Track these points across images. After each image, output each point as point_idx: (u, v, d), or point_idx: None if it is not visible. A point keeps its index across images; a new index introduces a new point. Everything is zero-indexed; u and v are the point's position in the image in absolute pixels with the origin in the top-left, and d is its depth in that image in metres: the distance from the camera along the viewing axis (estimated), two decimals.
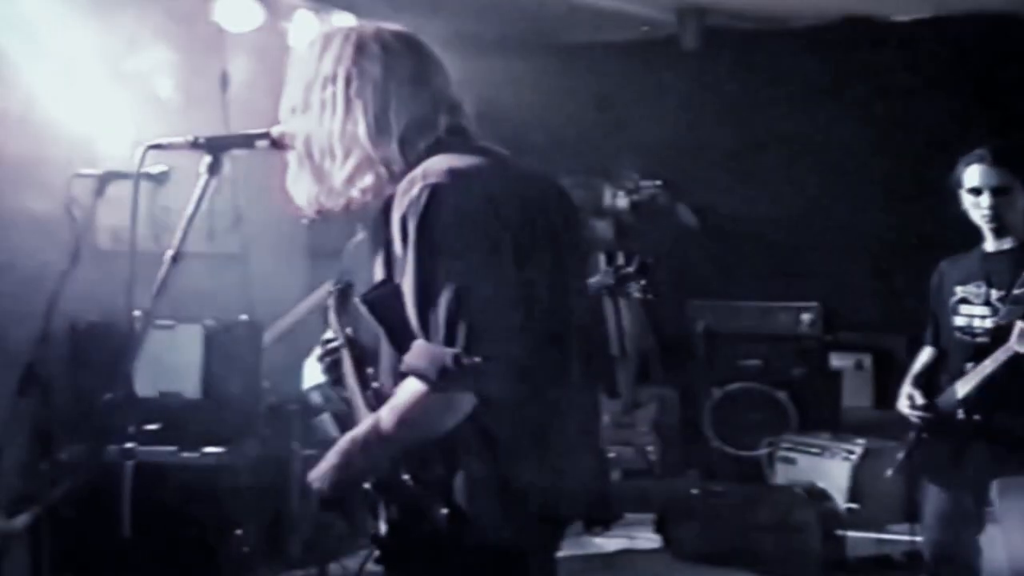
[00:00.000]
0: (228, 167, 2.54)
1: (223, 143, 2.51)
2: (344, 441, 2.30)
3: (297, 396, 4.07)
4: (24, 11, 5.05)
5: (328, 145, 2.27)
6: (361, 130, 2.24)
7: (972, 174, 3.87)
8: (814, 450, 6.25)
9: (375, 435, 2.20)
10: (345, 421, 3.93)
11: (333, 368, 2.55)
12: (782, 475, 6.39)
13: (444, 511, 2.14)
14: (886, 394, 6.72)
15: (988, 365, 3.78)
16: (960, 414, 3.86)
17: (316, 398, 3.99)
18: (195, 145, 2.50)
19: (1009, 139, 3.93)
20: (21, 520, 4.48)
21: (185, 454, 4.69)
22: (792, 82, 7.24)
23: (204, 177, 2.48)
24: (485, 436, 2.15)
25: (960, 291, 3.96)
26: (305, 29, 6.32)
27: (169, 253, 2.50)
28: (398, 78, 2.26)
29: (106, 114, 5.14)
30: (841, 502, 5.84)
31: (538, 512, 2.20)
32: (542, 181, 2.34)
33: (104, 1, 5.20)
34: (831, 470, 6.05)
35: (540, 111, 6.97)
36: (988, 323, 3.85)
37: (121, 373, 2.60)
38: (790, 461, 6.38)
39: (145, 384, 4.60)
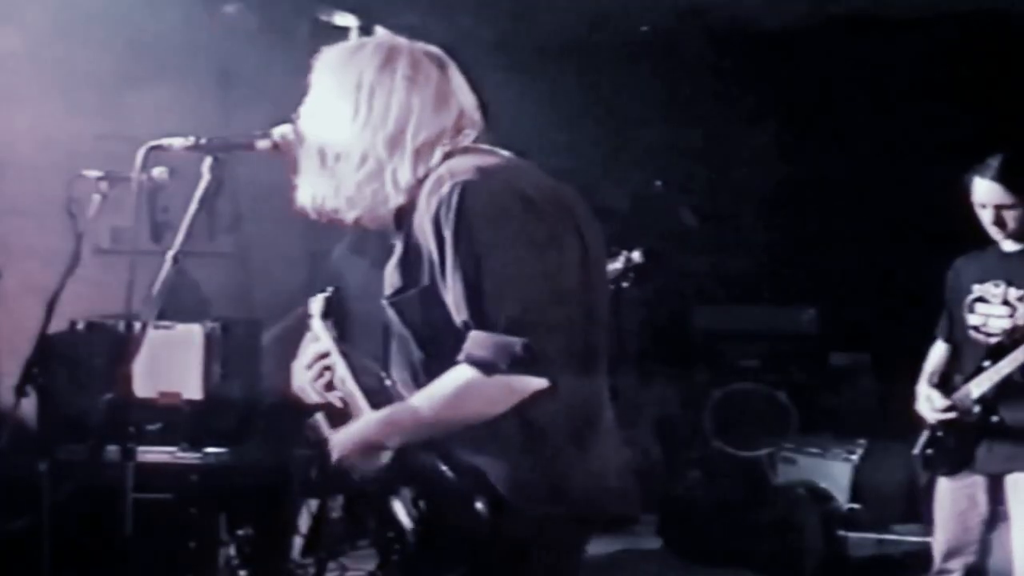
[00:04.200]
0: (228, 168, 2.55)
1: (223, 144, 2.51)
2: (374, 420, 2.31)
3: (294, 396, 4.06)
4: (25, 11, 5.06)
5: (345, 149, 2.30)
6: (380, 139, 2.27)
7: (977, 188, 3.87)
8: (815, 450, 6.25)
9: (416, 418, 2.22)
10: (338, 421, 3.95)
11: (324, 373, 2.56)
12: (783, 475, 6.39)
13: (482, 504, 2.13)
14: (886, 394, 6.73)
15: (1005, 366, 3.77)
16: (975, 413, 3.86)
17: (308, 398, 4.00)
18: (195, 146, 2.50)
19: (1018, 153, 3.89)
20: (22, 520, 4.48)
21: (186, 454, 4.68)
22: (792, 82, 7.24)
23: (204, 178, 2.48)
24: (529, 427, 2.16)
25: (977, 289, 3.95)
26: (306, 29, 6.33)
27: (170, 253, 2.50)
28: (422, 96, 2.29)
29: (107, 114, 5.15)
30: (843, 502, 5.84)
31: (576, 507, 2.20)
32: (560, 183, 2.37)
33: (105, 1, 5.20)
34: (832, 470, 6.05)
35: (540, 111, 6.96)
36: (1005, 323, 3.85)
37: (121, 373, 2.60)
38: (791, 461, 6.38)
39: (145, 384, 4.59)
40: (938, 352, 4.16)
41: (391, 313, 2.30)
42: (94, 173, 3.38)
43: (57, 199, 3.26)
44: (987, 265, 3.96)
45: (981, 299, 3.94)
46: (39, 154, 4.85)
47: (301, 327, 4.51)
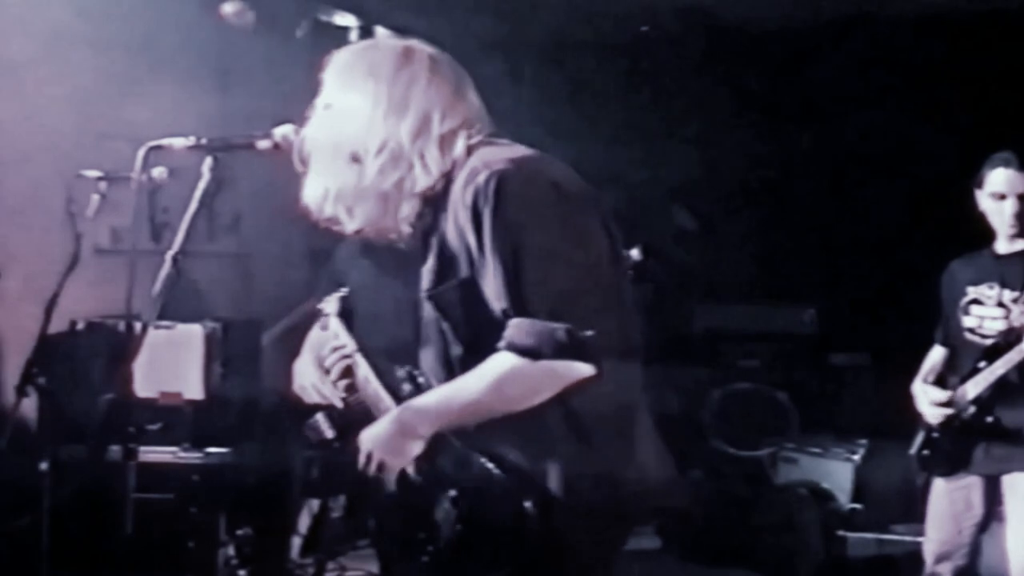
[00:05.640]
0: (228, 168, 2.55)
1: (223, 144, 2.51)
2: (408, 408, 2.27)
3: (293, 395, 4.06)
4: (26, 12, 5.05)
5: (367, 142, 2.27)
6: (404, 127, 2.26)
7: (997, 178, 3.84)
8: (816, 450, 6.25)
9: (454, 404, 2.19)
10: (338, 420, 3.95)
11: (345, 374, 2.55)
12: (784, 475, 6.39)
13: (531, 503, 2.09)
14: (886, 394, 6.73)
15: (1000, 367, 3.77)
16: (971, 414, 3.86)
17: (308, 398, 4.00)
18: (196, 146, 2.50)
19: None
20: (22, 520, 4.48)
21: (185, 454, 4.68)
22: (792, 82, 7.24)
23: (204, 178, 2.48)
24: (575, 421, 2.13)
25: (972, 291, 3.95)
26: (306, 29, 6.33)
27: (170, 253, 2.50)
28: (441, 87, 2.29)
29: (107, 114, 5.14)
30: (844, 502, 5.84)
31: (624, 501, 2.17)
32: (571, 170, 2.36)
33: (105, 1, 5.20)
34: (833, 470, 6.04)
35: (540, 111, 6.96)
36: (1000, 324, 3.85)
37: (121, 373, 2.60)
38: (792, 461, 6.38)
39: (145, 384, 4.60)
40: (935, 356, 4.16)
41: (429, 308, 2.27)
42: (94, 173, 3.38)
43: (57, 199, 3.26)
44: (981, 267, 3.96)
45: (976, 301, 3.94)
46: (39, 154, 4.85)
47: (301, 327, 4.52)
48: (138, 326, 2.57)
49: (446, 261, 2.24)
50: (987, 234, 3.95)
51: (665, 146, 7.45)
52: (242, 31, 5.92)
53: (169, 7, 5.54)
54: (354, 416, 2.45)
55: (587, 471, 2.12)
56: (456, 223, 2.20)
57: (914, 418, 4.09)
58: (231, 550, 4.73)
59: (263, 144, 2.48)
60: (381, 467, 2.27)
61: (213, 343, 4.93)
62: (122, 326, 2.84)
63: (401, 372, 2.37)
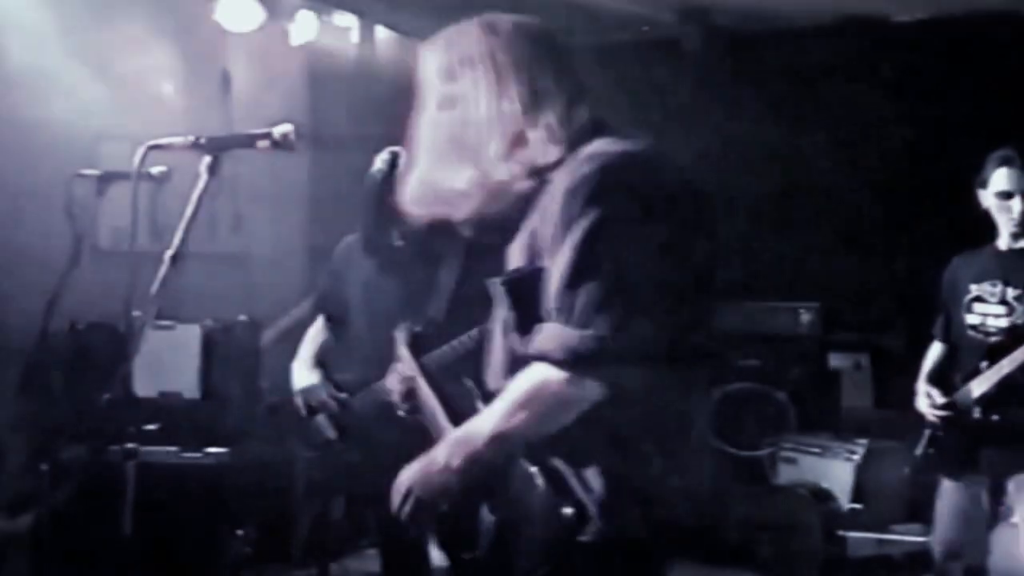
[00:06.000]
0: (229, 167, 2.54)
1: (223, 143, 2.51)
2: (450, 442, 2.18)
3: (295, 398, 4.07)
4: (26, 12, 5.06)
5: (477, 126, 2.18)
6: (516, 106, 2.17)
7: (1001, 177, 3.82)
8: (816, 450, 6.24)
9: (486, 430, 2.09)
10: (339, 422, 3.95)
11: (408, 396, 2.63)
12: (784, 475, 6.38)
13: (570, 510, 2.01)
14: (886, 394, 6.73)
15: (1006, 365, 3.76)
16: (976, 413, 3.86)
17: (309, 399, 4.01)
18: (195, 145, 2.49)
19: None
20: (23, 520, 4.48)
21: (186, 454, 4.68)
22: (792, 82, 7.23)
23: (204, 177, 2.47)
24: (616, 432, 2.03)
25: (975, 289, 3.94)
26: (306, 29, 6.33)
27: (168, 253, 2.50)
28: (544, 63, 2.22)
29: (107, 114, 5.14)
30: (844, 502, 5.84)
31: (662, 518, 2.09)
32: (682, 169, 2.25)
33: (106, 2, 5.21)
34: (833, 470, 6.04)
35: None
36: (1003, 322, 3.84)
37: (120, 373, 2.60)
38: (792, 461, 6.37)
39: (145, 384, 4.60)
40: (935, 352, 4.15)
41: (501, 294, 2.16)
42: (94, 173, 3.38)
43: (57, 199, 3.26)
44: (984, 264, 3.95)
45: (979, 298, 3.93)
46: (39, 154, 4.84)
47: (300, 328, 4.53)
48: (138, 326, 2.57)
49: (529, 248, 2.14)
50: (988, 231, 3.95)
51: (664, 146, 7.45)
52: (243, 31, 5.92)
53: (171, 6, 5.55)
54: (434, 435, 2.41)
55: (623, 484, 2.03)
56: (549, 209, 2.09)
57: (914, 418, 4.08)
58: (232, 550, 4.73)
59: (263, 143, 2.47)
60: (418, 506, 2.20)
61: (213, 343, 4.93)
62: (122, 326, 2.83)
63: (466, 385, 2.29)
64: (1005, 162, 3.81)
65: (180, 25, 5.64)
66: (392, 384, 4.01)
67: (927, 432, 4.04)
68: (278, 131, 2.48)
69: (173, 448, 4.65)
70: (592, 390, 1.99)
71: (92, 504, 4.00)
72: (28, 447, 4.76)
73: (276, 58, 6.11)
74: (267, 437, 5.10)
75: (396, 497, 2.24)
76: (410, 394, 2.59)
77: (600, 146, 2.12)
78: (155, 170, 2.94)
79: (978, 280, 3.94)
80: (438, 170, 2.22)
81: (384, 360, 3.92)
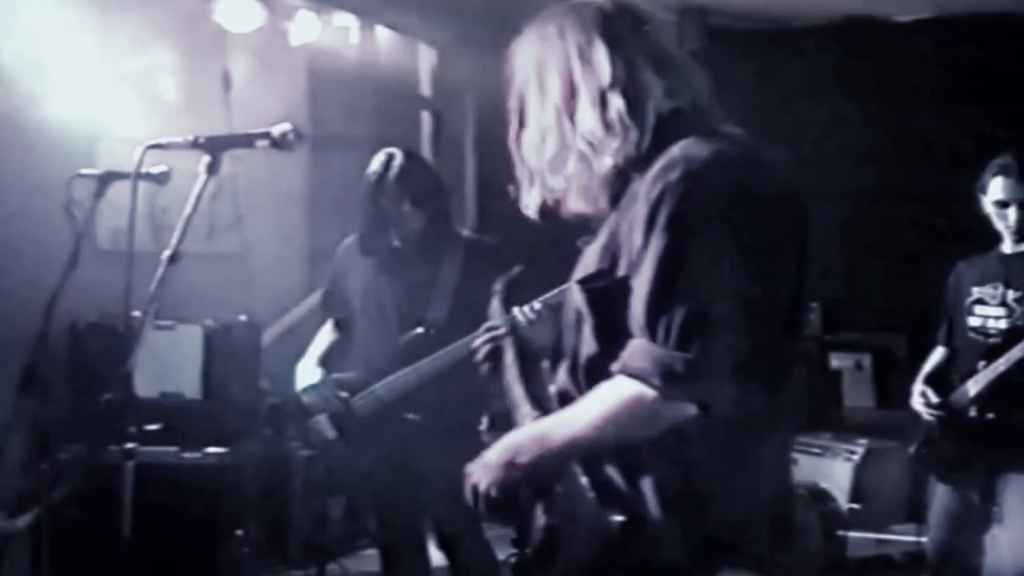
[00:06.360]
0: (228, 167, 2.54)
1: (222, 143, 2.51)
2: (518, 438, 2.10)
3: (296, 398, 4.07)
4: (26, 12, 5.06)
5: (541, 133, 2.11)
6: (592, 95, 2.05)
7: (998, 186, 3.82)
8: (815, 450, 6.25)
9: (563, 435, 2.01)
10: (340, 421, 3.95)
11: (491, 356, 2.45)
12: None
13: (620, 518, 1.93)
14: (886, 394, 6.73)
15: (1001, 364, 3.76)
16: (972, 413, 3.86)
17: (309, 399, 4.01)
18: (195, 145, 2.49)
19: None
20: (22, 520, 4.48)
21: (186, 454, 4.68)
22: (792, 82, 7.23)
23: (203, 177, 2.48)
24: (680, 438, 1.95)
25: (976, 291, 3.95)
26: (306, 29, 6.32)
27: (166, 253, 2.50)
28: (628, 51, 2.08)
29: (107, 114, 5.14)
30: (843, 502, 5.84)
31: (717, 532, 1.98)
32: (782, 172, 2.14)
33: (105, 2, 5.20)
34: (833, 470, 6.04)
35: None
36: (1003, 324, 3.85)
37: (119, 373, 2.60)
38: (792, 461, 6.38)
39: (145, 384, 4.59)
40: (937, 356, 4.16)
41: (581, 299, 2.05)
42: (94, 173, 3.38)
43: (57, 199, 3.25)
44: (986, 267, 3.95)
45: (980, 301, 3.94)
46: (39, 154, 4.85)
47: (301, 327, 4.53)
48: (138, 326, 2.58)
49: (608, 253, 2.03)
50: (994, 234, 3.95)
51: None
52: (243, 31, 5.92)
53: (171, 6, 5.55)
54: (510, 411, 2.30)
55: (680, 493, 1.95)
56: (634, 214, 1.97)
57: (914, 418, 4.09)
58: (232, 550, 4.73)
59: (262, 143, 2.47)
60: (486, 498, 2.12)
61: (213, 343, 4.93)
62: (122, 326, 2.83)
63: (543, 367, 2.21)
64: (1002, 171, 3.81)
65: (180, 25, 5.63)
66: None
67: (922, 431, 4.05)
68: (277, 131, 2.49)
69: (173, 448, 4.65)
70: (685, 410, 1.92)
71: (92, 504, 4.01)
72: (28, 447, 4.76)
73: (276, 58, 6.10)
74: (267, 437, 5.11)
75: (467, 486, 2.16)
76: (494, 353, 2.42)
77: (689, 148, 1.98)
78: (155, 170, 2.94)
79: (980, 283, 3.95)
80: (547, 167, 2.12)
81: (384, 360, 3.94)
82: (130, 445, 3.45)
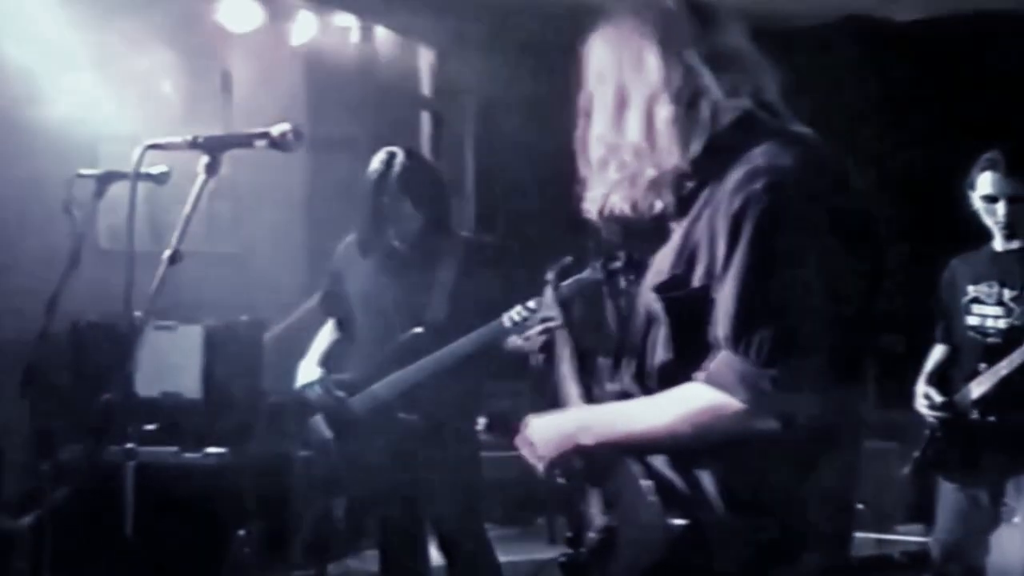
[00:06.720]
0: (228, 167, 2.54)
1: (222, 143, 2.51)
2: (587, 417, 2.10)
3: (295, 396, 4.07)
4: (26, 12, 5.06)
5: (597, 136, 2.10)
6: (663, 96, 2.02)
7: (986, 181, 3.82)
8: None
9: (634, 427, 2.00)
10: (338, 421, 3.95)
11: (545, 348, 2.42)
12: None
13: (683, 522, 1.90)
14: (885, 394, 6.72)
15: (1004, 367, 3.76)
16: (975, 414, 3.86)
17: (310, 395, 4.01)
18: (194, 145, 2.49)
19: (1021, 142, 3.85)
20: (24, 520, 4.48)
21: (186, 454, 4.68)
22: (792, 81, 7.23)
23: (202, 177, 2.48)
24: (742, 445, 1.92)
25: (972, 290, 3.95)
26: (306, 28, 6.33)
27: (166, 253, 2.50)
28: (687, 51, 2.04)
29: (107, 114, 5.14)
30: None
31: (779, 543, 1.94)
32: (856, 178, 2.08)
33: (105, 2, 5.21)
34: None
35: (540, 111, 6.96)
36: (1001, 323, 3.85)
37: (120, 373, 2.60)
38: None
39: (146, 384, 4.60)
40: (936, 354, 4.15)
41: (658, 307, 2.02)
42: (94, 173, 3.38)
43: (57, 199, 3.25)
44: (981, 265, 3.95)
45: (977, 300, 3.94)
46: (39, 154, 4.85)
47: (302, 326, 4.53)
48: (138, 326, 2.58)
49: (683, 259, 2.00)
50: (986, 232, 3.95)
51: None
52: (243, 31, 5.92)
53: (171, 6, 5.55)
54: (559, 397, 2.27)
55: (743, 493, 1.92)
56: (712, 223, 1.94)
57: (914, 418, 4.08)
58: (232, 550, 4.73)
59: (261, 143, 2.47)
60: (539, 462, 2.12)
61: (213, 343, 4.93)
62: (123, 326, 2.83)
63: (604, 364, 2.20)
64: (990, 166, 3.81)
65: (180, 25, 5.63)
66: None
67: (927, 433, 4.04)
68: (276, 131, 2.48)
69: (173, 448, 4.65)
70: (768, 424, 1.89)
71: (92, 504, 4.01)
72: (28, 447, 4.76)
73: (276, 58, 6.11)
74: (268, 437, 5.11)
75: (521, 441, 2.16)
76: (547, 346, 2.39)
77: (771, 156, 1.95)
78: (154, 170, 2.94)
79: (975, 281, 3.95)
80: (616, 169, 2.09)
81: (383, 360, 3.94)
82: (130, 445, 3.47)
